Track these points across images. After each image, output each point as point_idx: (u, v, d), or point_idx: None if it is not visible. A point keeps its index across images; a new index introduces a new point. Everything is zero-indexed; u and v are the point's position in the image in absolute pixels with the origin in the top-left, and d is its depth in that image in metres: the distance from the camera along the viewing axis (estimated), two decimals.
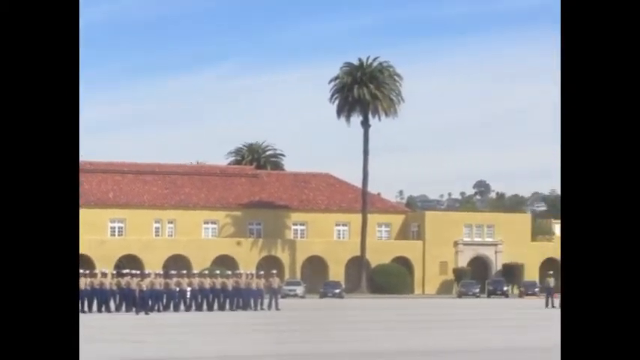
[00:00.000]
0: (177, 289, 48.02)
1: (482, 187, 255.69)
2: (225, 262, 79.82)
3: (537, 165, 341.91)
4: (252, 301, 49.69)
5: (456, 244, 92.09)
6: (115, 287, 46.30)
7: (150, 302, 45.21)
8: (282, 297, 60.89)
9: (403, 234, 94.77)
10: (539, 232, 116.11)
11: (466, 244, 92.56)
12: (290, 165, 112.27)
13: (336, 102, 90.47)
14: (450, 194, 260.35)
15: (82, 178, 76.40)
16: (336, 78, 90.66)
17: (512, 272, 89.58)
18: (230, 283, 49.74)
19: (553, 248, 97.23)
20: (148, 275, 49.47)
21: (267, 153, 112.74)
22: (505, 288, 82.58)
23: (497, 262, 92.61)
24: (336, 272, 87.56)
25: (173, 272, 50.05)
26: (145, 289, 45.28)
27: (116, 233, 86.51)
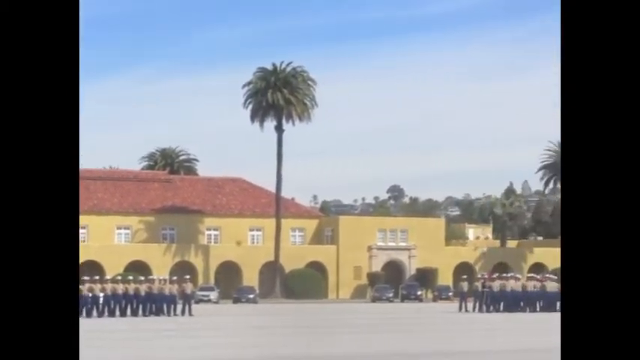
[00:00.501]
0: (90, 295, 47.44)
1: (396, 191, 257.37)
2: (138, 268, 79.07)
3: (451, 169, 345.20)
4: (165, 307, 49.28)
5: (369, 248, 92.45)
6: None
7: None
8: (196, 302, 60.45)
9: (317, 239, 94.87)
10: (452, 236, 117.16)
11: (380, 248, 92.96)
12: (203, 170, 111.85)
13: (250, 107, 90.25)
14: (363, 199, 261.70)
15: None
16: (250, 83, 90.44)
17: (426, 277, 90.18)
18: (143, 289, 49.27)
19: (466, 252, 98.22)
20: None
21: (181, 158, 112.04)
22: (419, 292, 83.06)
23: (411, 267, 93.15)
24: (250, 277, 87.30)
25: (86, 278, 49.34)
26: None
27: None
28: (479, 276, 62.89)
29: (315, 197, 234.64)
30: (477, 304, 54.33)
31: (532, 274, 62.52)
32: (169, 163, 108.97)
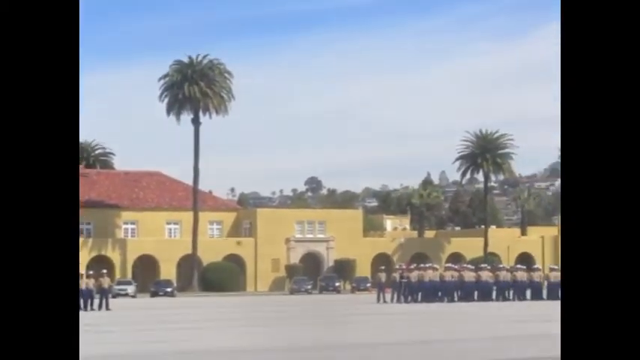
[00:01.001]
0: None
1: (313, 183, 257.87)
2: None
3: (368, 161, 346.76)
4: (82, 302, 48.66)
5: (287, 240, 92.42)
6: None
7: None
8: (113, 297, 59.76)
9: (235, 231, 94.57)
10: (370, 227, 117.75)
11: (298, 240, 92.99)
12: (120, 164, 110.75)
13: (166, 100, 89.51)
14: (281, 191, 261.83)
15: None
16: (166, 76, 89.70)
17: (344, 268, 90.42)
18: None
19: (384, 244, 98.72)
20: None
21: (97, 152, 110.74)
22: (337, 284, 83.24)
23: (329, 259, 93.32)
24: (168, 271, 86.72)
25: None
26: None
27: None
28: (397, 267, 63.17)
29: (232, 190, 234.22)
30: (395, 295, 54.53)
31: (450, 265, 62.94)
32: (85, 157, 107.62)
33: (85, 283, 49.82)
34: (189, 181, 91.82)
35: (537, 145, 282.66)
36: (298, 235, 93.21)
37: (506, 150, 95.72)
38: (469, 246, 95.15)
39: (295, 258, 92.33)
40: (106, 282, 52.07)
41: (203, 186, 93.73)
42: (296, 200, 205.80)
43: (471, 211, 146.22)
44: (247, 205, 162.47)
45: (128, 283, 77.61)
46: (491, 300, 54.00)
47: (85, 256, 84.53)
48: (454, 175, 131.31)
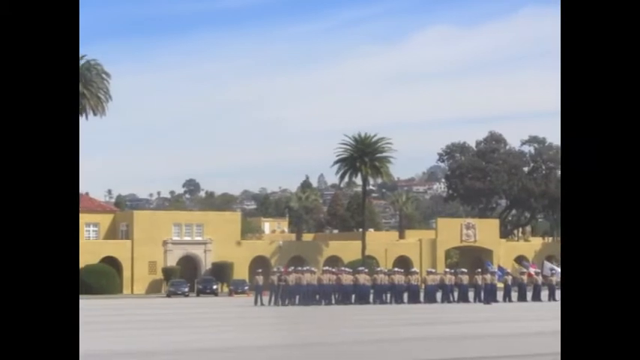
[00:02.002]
0: None
1: (191, 185, 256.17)
2: None
3: (247, 163, 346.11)
4: None
5: (165, 243, 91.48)
6: None
7: None
8: None
9: (112, 234, 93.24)
10: (248, 230, 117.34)
11: (175, 243, 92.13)
12: None
13: None
14: (159, 193, 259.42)
15: None
16: None
17: (221, 271, 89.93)
18: None
19: (262, 246, 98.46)
20: None
21: None
22: (215, 286, 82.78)
23: (207, 261, 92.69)
24: None
25: None
26: None
27: None
28: (275, 269, 63.09)
29: (109, 192, 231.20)
30: (273, 298, 54.43)
31: (327, 268, 63.10)
32: None
33: None
34: None
35: (416, 149, 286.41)
36: (176, 238, 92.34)
37: (385, 154, 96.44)
38: (347, 249, 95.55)
39: (172, 260, 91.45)
40: None
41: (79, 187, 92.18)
42: (174, 202, 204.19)
43: (349, 215, 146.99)
44: (124, 207, 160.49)
45: None
46: (369, 303, 54.27)
47: None
48: (333, 179, 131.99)
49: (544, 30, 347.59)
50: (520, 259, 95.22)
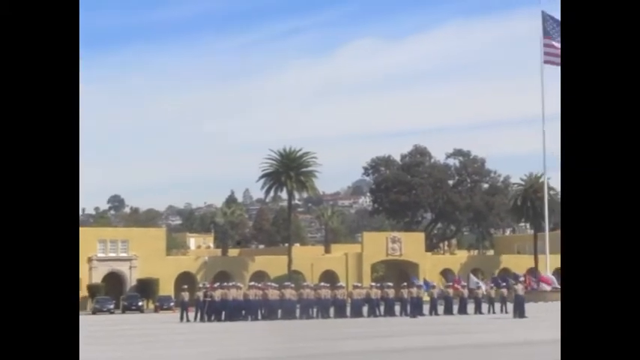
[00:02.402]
0: None
1: (116, 201, 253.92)
2: None
3: (172, 178, 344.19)
4: None
5: (90, 260, 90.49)
6: None
7: None
8: None
9: None
10: (174, 246, 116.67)
11: (100, 259, 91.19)
12: None
13: None
14: (84, 209, 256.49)
15: None
16: None
17: (147, 287, 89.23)
18: None
19: (188, 262, 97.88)
20: None
21: None
22: (140, 303, 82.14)
23: (132, 277, 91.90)
24: None
25: None
26: None
27: None
28: (200, 285, 62.72)
29: None
30: (199, 314, 54.10)
31: (253, 283, 62.87)
32: None
33: None
34: None
35: (341, 163, 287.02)
36: (100, 254, 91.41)
37: (310, 168, 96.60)
38: (273, 264, 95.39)
39: (98, 277, 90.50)
40: None
41: None
42: (98, 219, 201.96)
43: (275, 229, 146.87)
44: None
45: None
46: (295, 318, 54.17)
47: None
48: (258, 193, 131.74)
49: (469, 43, 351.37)
50: (446, 273, 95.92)
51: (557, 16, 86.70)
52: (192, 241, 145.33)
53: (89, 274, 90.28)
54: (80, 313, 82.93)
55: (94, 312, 79.24)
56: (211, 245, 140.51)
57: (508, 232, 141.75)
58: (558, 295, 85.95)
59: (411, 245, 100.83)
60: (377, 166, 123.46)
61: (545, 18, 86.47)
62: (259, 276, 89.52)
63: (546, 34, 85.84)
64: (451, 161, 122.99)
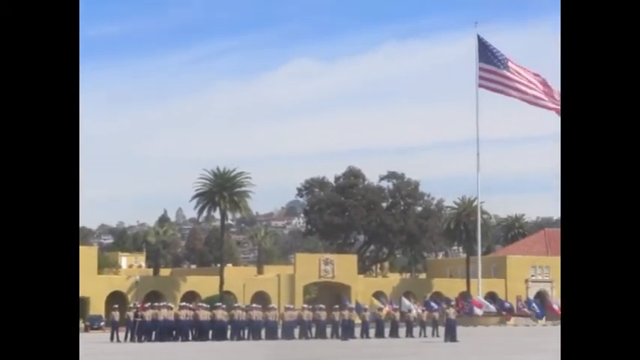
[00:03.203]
0: None
1: None
2: None
3: (104, 196, 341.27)
4: None
5: None
6: None
7: None
8: None
9: None
10: (105, 264, 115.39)
11: None
12: None
13: None
14: None
15: None
16: None
17: None
18: None
19: (119, 281, 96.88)
20: None
21: None
22: None
23: None
24: None
25: None
26: None
27: None
28: (131, 305, 62.02)
29: None
30: (129, 334, 53.51)
31: (185, 303, 62.33)
32: None
33: None
34: None
35: (275, 184, 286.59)
36: None
37: (244, 188, 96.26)
38: (205, 284, 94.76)
39: None
40: None
41: None
42: None
43: (207, 249, 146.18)
44: None
45: None
46: (226, 339, 53.79)
47: None
48: (191, 213, 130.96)
49: (405, 66, 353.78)
50: (378, 295, 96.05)
51: (492, 40, 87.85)
52: (124, 260, 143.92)
53: None
54: None
55: None
56: (143, 264, 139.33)
57: (441, 255, 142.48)
58: (490, 320, 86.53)
59: (343, 267, 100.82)
60: (311, 187, 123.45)
61: (481, 42, 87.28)
62: (191, 296, 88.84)
63: (481, 58, 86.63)
64: (385, 183, 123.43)
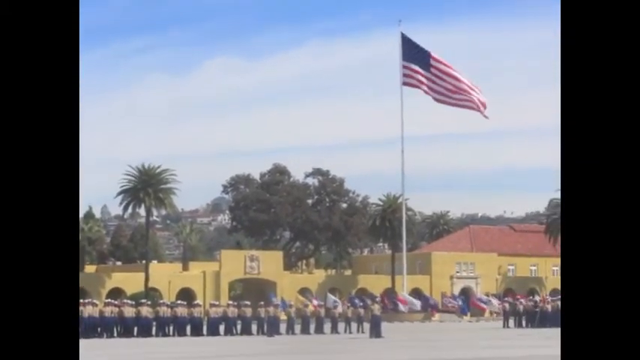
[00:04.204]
0: None
1: None
2: None
3: None
4: None
5: None
6: None
7: None
8: None
9: None
10: None
11: None
12: None
13: None
14: None
15: None
16: None
17: None
18: None
19: None
20: None
21: None
22: None
23: None
24: None
25: None
26: None
27: None
28: None
29: None
30: None
31: (110, 300, 61.95)
32: None
33: None
34: None
35: (200, 180, 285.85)
36: None
37: (169, 185, 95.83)
38: (130, 281, 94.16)
39: None
40: None
41: None
42: None
43: (132, 246, 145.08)
44: None
45: None
46: (151, 336, 53.57)
47: None
48: (116, 209, 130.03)
49: (329, 64, 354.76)
50: (304, 292, 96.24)
51: (416, 38, 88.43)
52: None
53: None
54: None
55: None
56: None
57: (366, 252, 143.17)
58: (415, 316, 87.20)
59: (269, 264, 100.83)
60: (236, 184, 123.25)
61: (405, 40, 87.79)
62: (116, 293, 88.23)
63: (405, 56, 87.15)
64: (310, 180, 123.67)
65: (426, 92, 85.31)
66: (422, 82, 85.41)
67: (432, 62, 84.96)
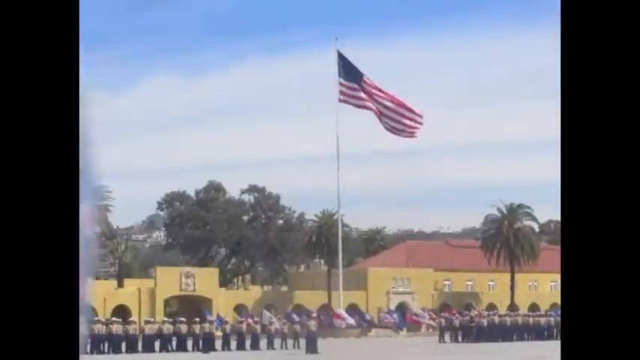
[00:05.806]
0: None
1: None
2: None
3: None
4: None
5: None
6: None
7: None
8: None
9: None
10: None
11: None
12: None
13: None
14: None
15: None
16: None
17: None
18: None
19: None
20: None
21: None
22: None
23: None
24: None
25: None
26: None
27: None
28: None
29: None
30: None
31: None
32: None
33: None
34: None
35: (135, 197, 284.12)
36: None
37: (104, 202, 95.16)
38: None
39: None
40: None
41: None
42: None
43: None
44: None
45: None
46: (87, 353, 52.97)
47: None
48: None
49: (266, 80, 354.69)
50: (239, 308, 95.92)
51: (351, 56, 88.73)
52: None
53: None
54: None
55: None
56: None
57: (302, 268, 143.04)
58: (351, 332, 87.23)
59: (204, 280, 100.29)
60: (171, 200, 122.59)
61: (341, 57, 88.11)
62: None
63: (341, 73, 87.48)
64: (246, 197, 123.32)
65: (359, 108, 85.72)
66: (356, 99, 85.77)
67: (364, 85, 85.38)
